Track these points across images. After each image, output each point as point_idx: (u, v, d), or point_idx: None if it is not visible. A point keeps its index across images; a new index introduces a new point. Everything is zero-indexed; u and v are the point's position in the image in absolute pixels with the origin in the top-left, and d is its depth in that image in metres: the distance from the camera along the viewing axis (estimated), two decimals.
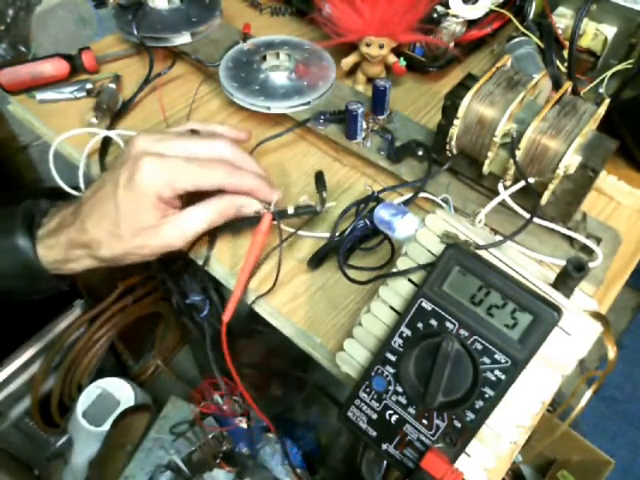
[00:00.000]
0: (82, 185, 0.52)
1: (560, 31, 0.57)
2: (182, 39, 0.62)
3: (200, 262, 0.47)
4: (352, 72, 0.61)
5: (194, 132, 0.47)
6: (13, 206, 0.45)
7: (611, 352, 0.35)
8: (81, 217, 0.42)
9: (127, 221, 0.40)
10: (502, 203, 0.42)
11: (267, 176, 0.46)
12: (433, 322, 0.32)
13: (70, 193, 0.52)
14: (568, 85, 0.43)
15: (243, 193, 0.43)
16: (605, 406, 1.33)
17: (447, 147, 0.46)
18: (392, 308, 0.35)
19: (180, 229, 0.42)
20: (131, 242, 0.41)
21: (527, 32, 0.58)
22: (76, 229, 0.42)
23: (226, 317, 0.44)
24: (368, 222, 0.44)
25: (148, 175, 0.40)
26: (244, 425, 0.87)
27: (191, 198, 0.43)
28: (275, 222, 0.45)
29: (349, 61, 0.60)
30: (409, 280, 0.35)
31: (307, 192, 0.51)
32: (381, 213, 0.40)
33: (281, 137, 0.53)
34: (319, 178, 0.47)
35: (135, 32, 0.60)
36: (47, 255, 0.43)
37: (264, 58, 0.59)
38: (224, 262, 0.47)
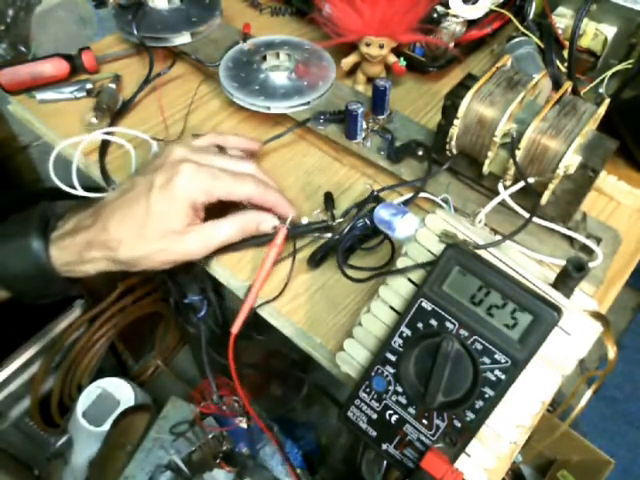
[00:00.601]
0: (76, 183, 0.51)
1: (560, 31, 0.57)
2: (182, 39, 0.62)
3: (200, 262, 0.47)
4: (352, 72, 0.61)
5: (219, 148, 0.49)
6: (30, 209, 0.45)
7: (611, 352, 0.35)
8: (102, 217, 0.42)
9: (155, 222, 0.41)
10: (502, 203, 0.42)
11: (283, 194, 0.47)
12: (433, 322, 0.32)
13: (70, 193, 0.52)
14: (568, 85, 0.43)
15: (267, 206, 0.45)
16: (605, 406, 1.33)
17: (447, 147, 0.46)
18: (392, 308, 0.35)
19: (204, 239, 0.43)
20: (153, 244, 0.42)
21: (527, 32, 0.58)
22: (95, 229, 0.42)
23: (235, 329, 0.44)
24: (368, 222, 0.44)
25: (187, 179, 0.41)
26: (244, 425, 0.87)
27: (209, 214, 0.44)
28: (286, 236, 0.46)
29: (349, 61, 0.60)
30: (409, 280, 0.35)
31: (306, 192, 0.52)
32: (381, 213, 0.40)
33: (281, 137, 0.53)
34: (328, 198, 0.49)
35: (135, 32, 0.60)
36: (60, 256, 0.43)
37: (264, 58, 0.59)
38: (225, 263, 0.47)
